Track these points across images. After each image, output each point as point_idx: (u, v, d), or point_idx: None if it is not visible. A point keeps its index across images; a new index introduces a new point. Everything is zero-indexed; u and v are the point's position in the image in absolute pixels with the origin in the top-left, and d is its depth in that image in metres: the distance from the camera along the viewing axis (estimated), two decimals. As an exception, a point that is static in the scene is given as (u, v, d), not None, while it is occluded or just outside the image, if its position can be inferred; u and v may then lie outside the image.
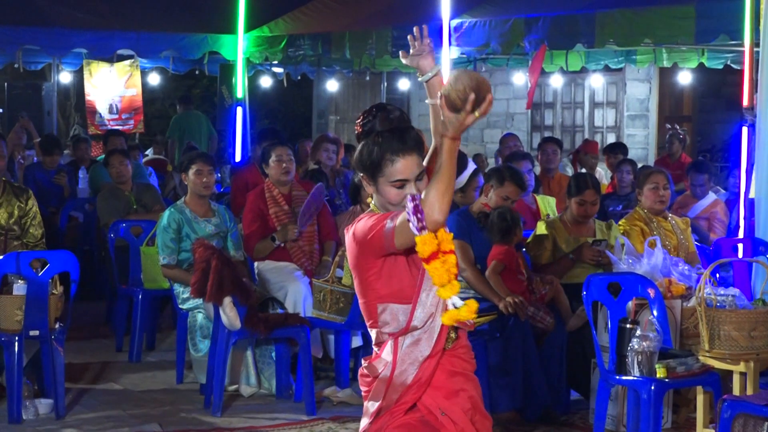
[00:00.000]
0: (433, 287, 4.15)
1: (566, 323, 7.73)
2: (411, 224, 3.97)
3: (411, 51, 4.37)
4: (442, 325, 4.21)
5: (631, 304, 7.00)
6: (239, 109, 14.44)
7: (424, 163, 4.27)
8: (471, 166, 9.08)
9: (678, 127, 15.78)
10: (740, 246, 8.60)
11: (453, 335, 4.29)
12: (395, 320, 4.23)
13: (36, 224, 8.42)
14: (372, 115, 4.24)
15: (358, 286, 4.28)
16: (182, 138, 17.15)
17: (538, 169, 12.32)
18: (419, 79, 4.34)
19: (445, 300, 4.12)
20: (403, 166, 4.17)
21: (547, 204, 10.13)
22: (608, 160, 13.36)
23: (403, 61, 4.37)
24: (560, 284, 7.99)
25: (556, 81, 19.00)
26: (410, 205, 3.97)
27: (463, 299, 4.20)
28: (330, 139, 11.74)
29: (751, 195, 8.54)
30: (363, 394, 4.36)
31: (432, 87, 4.31)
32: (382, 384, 4.25)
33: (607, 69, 17.13)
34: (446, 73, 11.81)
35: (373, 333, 4.32)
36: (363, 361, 4.36)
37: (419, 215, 3.96)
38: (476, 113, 3.95)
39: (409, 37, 4.38)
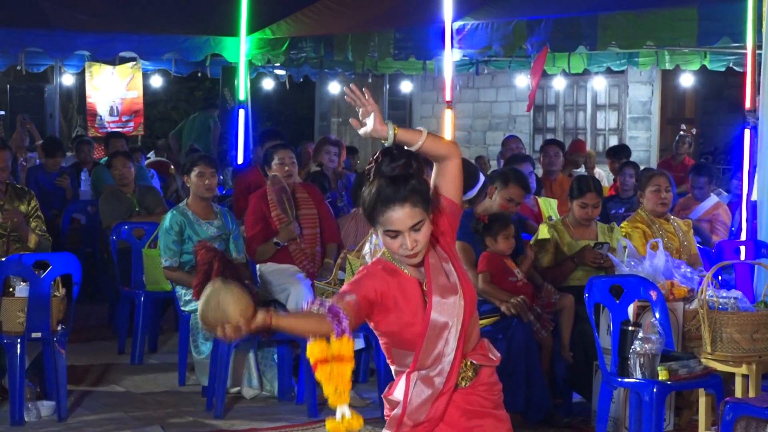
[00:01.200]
0: (439, 334, 4.11)
1: (563, 348, 7.75)
2: (341, 326, 3.89)
3: (360, 114, 4.17)
4: (454, 363, 4.15)
5: (633, 307, 7.00)
6: (241, 112, 14.45)
7: (431, 182, 4.21)
8: (482, 179, 9.10)
9: (684, 129, 15.77)
10: (742, 248, 8.60)
11: (471, 374, 4.23)
12: (403, 361, 4.22)
13: (40, 220, 8.47)
14: (376, 160, 4.13)
15: (374, 329, 4.26)
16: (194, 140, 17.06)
17: (539, 172, 12.33)
18: (386, 144, 4.15)
19: (334, 407, 4.01)
20: (394, 217, 4.04)
21: (549, 206, 10.13)
22: (611, 164, 13.34)
23: (359, 132, 4.18)
24: (562, 288, 8.00)
25: (559, 83, 19.00)
26: (328, 314, 3.90)
27: None
28: (332, 142, 11.75)
29: (754, 197, 8.54)
30: (385, 414, 4.35)
31: (402, 143, 4.16)
32: (394, 420, 4.24)
33: (609, 71, 17.12)
34: (448, 76, 11.80)
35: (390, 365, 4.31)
36: (387, 388, 4.33)
37: (337, 321, 3.89)
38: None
39: (346, 98, 4.20)
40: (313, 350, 3.88)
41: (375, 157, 4.13)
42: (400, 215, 4.05)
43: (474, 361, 4.23)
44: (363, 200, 4.15)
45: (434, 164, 4.24)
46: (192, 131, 17.30)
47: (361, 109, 4.16)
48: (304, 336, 3.92)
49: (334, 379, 3.92)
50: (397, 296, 4.14)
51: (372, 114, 4.14)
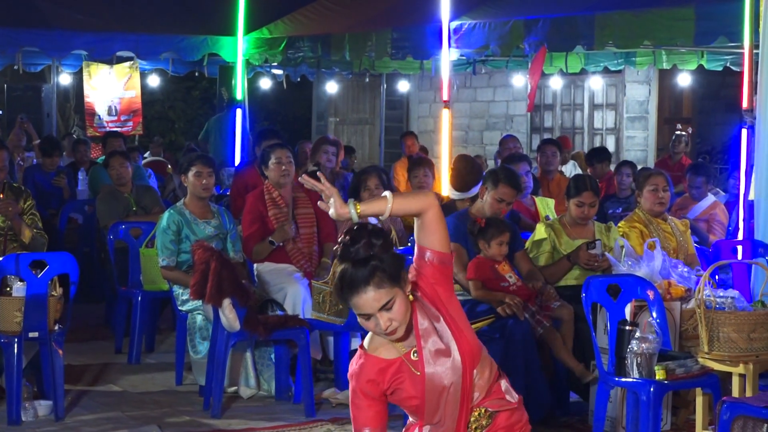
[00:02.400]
0: (438, 399, 4.11)
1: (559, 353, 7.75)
2: None
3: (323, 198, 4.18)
4: (460, 417, 4.14)
5: (630, 306, 7.00)
6: (239, 111, 14.47)
7: (416, 239, 4.16)
8: None
9: (681, 128, 15.77)
10: (739, 248, 8.61)
11: (485, 422, 4.20)
12: (413, 416, 4.26)
13: (36, 217, 8.48)
14: (341, 242, 4.07)
15: None
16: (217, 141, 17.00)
17: (537, 171, 12.32)
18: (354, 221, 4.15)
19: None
20: (361, 302, 4.00)
21: (546, 206, 10.12)
22: (593, 171, 13.25)
23: (329, 213, 4.17)
24: (559, 287, 8.01)
25: (556, 83, 19.02)
26: None
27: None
28: (330, 141, 11.74)
29: (751, 197, 8.55)
30: None
31: (368, 216, 4.15)
32: None
33: (606, 71, 17.14)
34: (445, 76, 11.85)
35: None
36: (404, 429, 4.35)
37: None
38: None
39: (302, 180, 4.26)
40: None
41: (340, 239, 4.07)
42: (366, 299, 4.00)
43: (489, 408, 4.20)
44: (334, 283, 4.12)
45: (414, 218, 4.17)
46: (219, 132, 17.26)
47: (323, 193, 4.16)
48: None
49: None
50: (390, 387, 4.14)
51: (332, 198, 4.13)
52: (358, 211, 4.09)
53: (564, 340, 7.71)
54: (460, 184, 9.57)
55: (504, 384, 4.25)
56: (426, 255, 4.13)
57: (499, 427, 4.22)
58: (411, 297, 4.08)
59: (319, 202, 4.18)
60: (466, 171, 9.57)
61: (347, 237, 4.03)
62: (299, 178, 4.22)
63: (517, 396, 4.27)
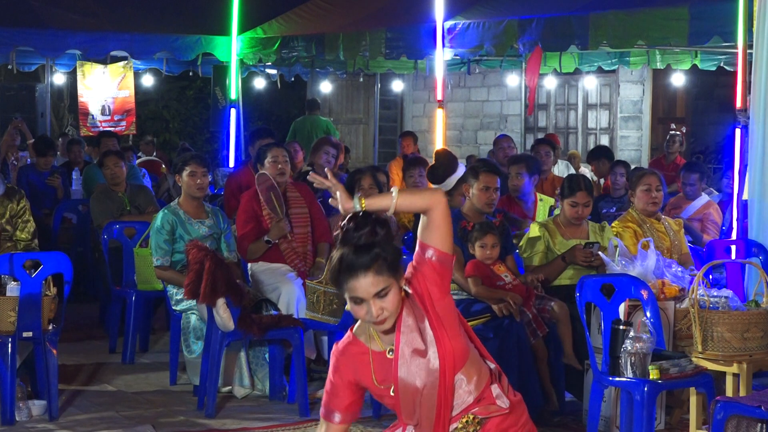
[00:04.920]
0: (412, 399, 4.11)
1: (567, 357, 7.75)
2: None
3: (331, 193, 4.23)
4: (437, 419, 4.11)
5: (624, 306, 7.01)
6: (233, 111, 14.47)
7: (418, 237, 4.17)
8: (460, 170, 9.11)
9: (675, 128, 15.79)
10: (733, 247, 8.61)
11: (472, 430, 4.16)
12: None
13: (26, 227, 8.44)
14: (343, 227, 4.09)
15: None
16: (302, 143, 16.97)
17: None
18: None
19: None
20: (357, 285, 4.01)
21: (546, 206, 10.06)
22: (595, 168, 13.30)
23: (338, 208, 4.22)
24: (553, 287, 8.02)
25: (550, 82, 19.03)
26: None
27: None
28: (332, 143, 11.72)
29: (745, 196, 8.56)
30: None
31: (375, 210, 4.14)
32: None
33: (600, 70, 17.16)
34: (439, 75, 11.86)
35: None
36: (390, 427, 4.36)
37: None
38: None
39: (310, 178, 4.33)
40: None
41: (342, 223, 4.09)
42: (363, 283, 4.01)
43: (478, 415, 4.17)
44: (330, 268, 4.14)
45: (421, 215, 4.19)
46: (303, 134, 17.25)
47: (330, 190, 4.19)
48: None
49: None
50: (364, 377, 4.17)
51: (338, 193, 4.15)
52: (363, 206, 4.09)
53: (563, 340, 7.71)
54: (432, 175, 9.57)
55: (496, 389, 4.21)
56: (427, 252, 4.12)
57: None
58: (404, 293, 4.08)
59: (330, 200, 4.19)
60: (439, 163, 9.58)
61: (351, 222, 4.04)
62: (308, 177, 4.24)
63: (509, 401, 4.22)
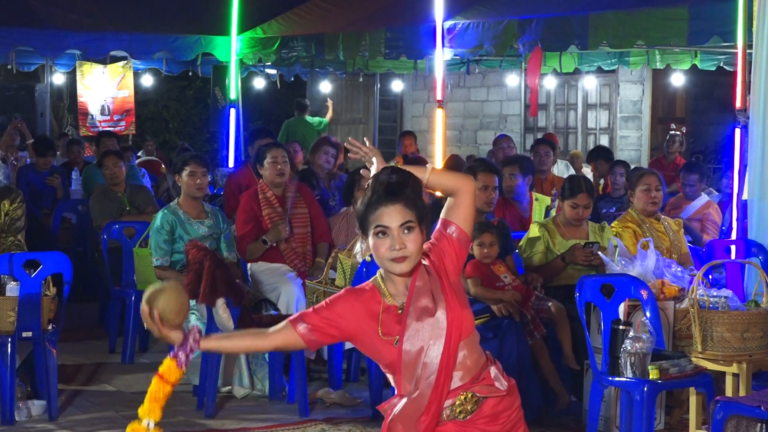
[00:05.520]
0: (416, 359, 4.11)
1: (566, 358, 7.74)
2: (179, 354, 4.18)
3: (353, 152, 4.39)
4: (436, 383, 4.12)
5: (623, 306, 7.01)
6: (232, 111, 14.47)
7: (442, 214, 4.26)
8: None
9: (675, 128, 15.78)
10: (733, 247, 8.61)
11: (470, 407, 4.16)
12: (392, 381, 4.23)
13: (13, 226, 8.40)
14: (383, 168, 4.22)
15: None
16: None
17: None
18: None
19: (140, 419, 4.34)
20: (385, 212, 4.08)
21: (543, 205, 10.07)
22: (595, 169, 13.29)
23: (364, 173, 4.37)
24: (552, 287, 8.02)
25: (550, 82, 19.02)
26: (188, 341, 4.20)
27: None
28: (331, 143, 11.72)
29: (744, 196, 8.55)
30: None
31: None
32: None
33: (600, 70, 17.15)
34: (439, 75, 11.85)
35: None
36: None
37: (184, 352, 4.24)
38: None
39: (347, 145, 4.42)
40: (165, 365, 4.24)
41: (383, 167, 4.22)
42: (391, 211, 4.07)
43: (477, 393, 4.18)
44: (357, 209, 4.20)
45: (447, 197, 4.30)
46: (297, 135, 17.24)
47: (361, 156, 4.33)
48: (239, 352, 4.15)
49: (158, 397, 4.32)
50: (369, 325, 4.15)
51: (375, 158, 4.32)
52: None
53: (561, 341, 7.71)
54: None
55: (494, 371, 4.24)
56: (449, 228, 4.22)
57: (484, 414, 4.19)
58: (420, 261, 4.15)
59: (362, 170, 4.33)
60: (449, 166, 9.64)
61: (389, 168, 4.16)
62: (345, 143, 4.34)
63: (506, 383, 4.25)
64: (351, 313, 4.15)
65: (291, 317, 4.18)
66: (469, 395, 4.17)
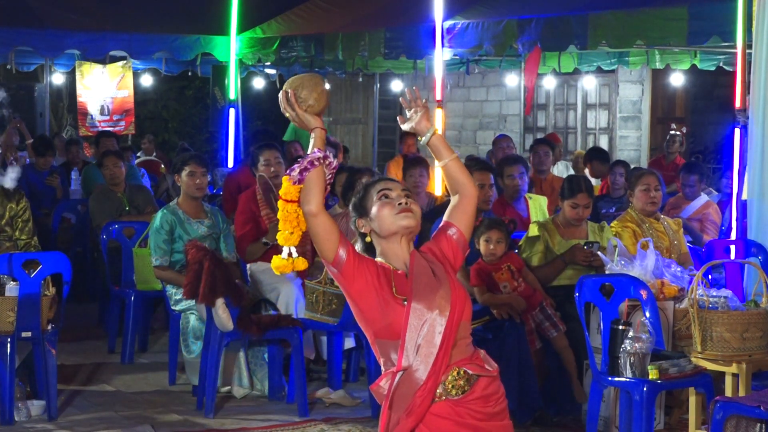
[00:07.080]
0: (423, 323, 4.17)
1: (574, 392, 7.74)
2: (297, 169, 4.18)
3: (407, 114, 4.48)
4: (436, 358, 4.17)
5: (623, 306, 7.00)
6: (232, 111, 14.46)
7: (445, 217, 4.44)
8: None
9: (674, 128, 15.77)
10: (732, 247, 8.61)
11: (463, 383, 4.22)
12: (389, 356, 4.24)
13: (26, 227, 8.42)
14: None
15: (357, 318, 4.33)
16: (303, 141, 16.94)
17: (530, 171, 12.30)
18: (421, 142, 4.49)
19: (282, 245, 4.37)
20: (385, 183, 4.38)
21: (539, 205, 10.07)
22: (591, 170, 13.27)
23: (402, 126, 4.49)
24: (552, 287, 8.02)
25: (549, 82, 19.01)
26: (314, 155, 4.19)
27: None
28: (330, 142, 11.73)
29: (744, 196, 8.55)
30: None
31: (434, 147, 4.46)
32: (382, 419, 4.27)
33: (599, 70, 17.14)
34: (438, 75, 11.85)
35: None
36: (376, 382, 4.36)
37: (305, 168, 4.17)
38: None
39: (401, 99, 4.53)
40: (284, 186, 4.24)
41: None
42: (391, 182, 4.39)
43: (468, 371, 4.22)
44: (354, 196, 4.43)
45: (451, 197, 4.47)
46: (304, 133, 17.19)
47: (413, 108, 4.46)
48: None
49: (291, 220, 4.31)
50: (385, 282, 4.24)
51: (421, 113, 4.45)
52: (434, 133, 4.44)
53: (569, 370, 7.68)
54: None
55: (483, 353, 4.35)
56: (450, 230, 4.41)
57: (476, 396, 4.24)
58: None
59: (398, 117, 4.50)
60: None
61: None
62: (409, 90, 4.54)
63: (495, 366, 4.33)
64: (373, 266, 4.29)
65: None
66: (462, 371, 4.23)
